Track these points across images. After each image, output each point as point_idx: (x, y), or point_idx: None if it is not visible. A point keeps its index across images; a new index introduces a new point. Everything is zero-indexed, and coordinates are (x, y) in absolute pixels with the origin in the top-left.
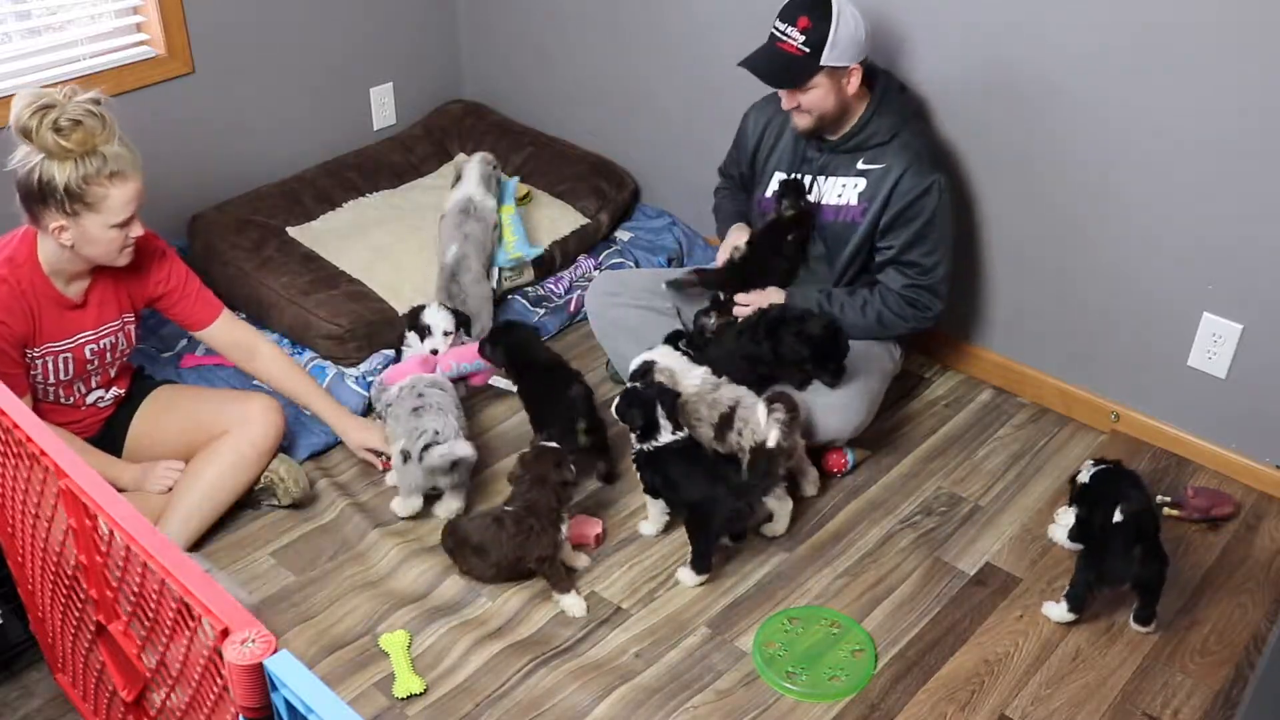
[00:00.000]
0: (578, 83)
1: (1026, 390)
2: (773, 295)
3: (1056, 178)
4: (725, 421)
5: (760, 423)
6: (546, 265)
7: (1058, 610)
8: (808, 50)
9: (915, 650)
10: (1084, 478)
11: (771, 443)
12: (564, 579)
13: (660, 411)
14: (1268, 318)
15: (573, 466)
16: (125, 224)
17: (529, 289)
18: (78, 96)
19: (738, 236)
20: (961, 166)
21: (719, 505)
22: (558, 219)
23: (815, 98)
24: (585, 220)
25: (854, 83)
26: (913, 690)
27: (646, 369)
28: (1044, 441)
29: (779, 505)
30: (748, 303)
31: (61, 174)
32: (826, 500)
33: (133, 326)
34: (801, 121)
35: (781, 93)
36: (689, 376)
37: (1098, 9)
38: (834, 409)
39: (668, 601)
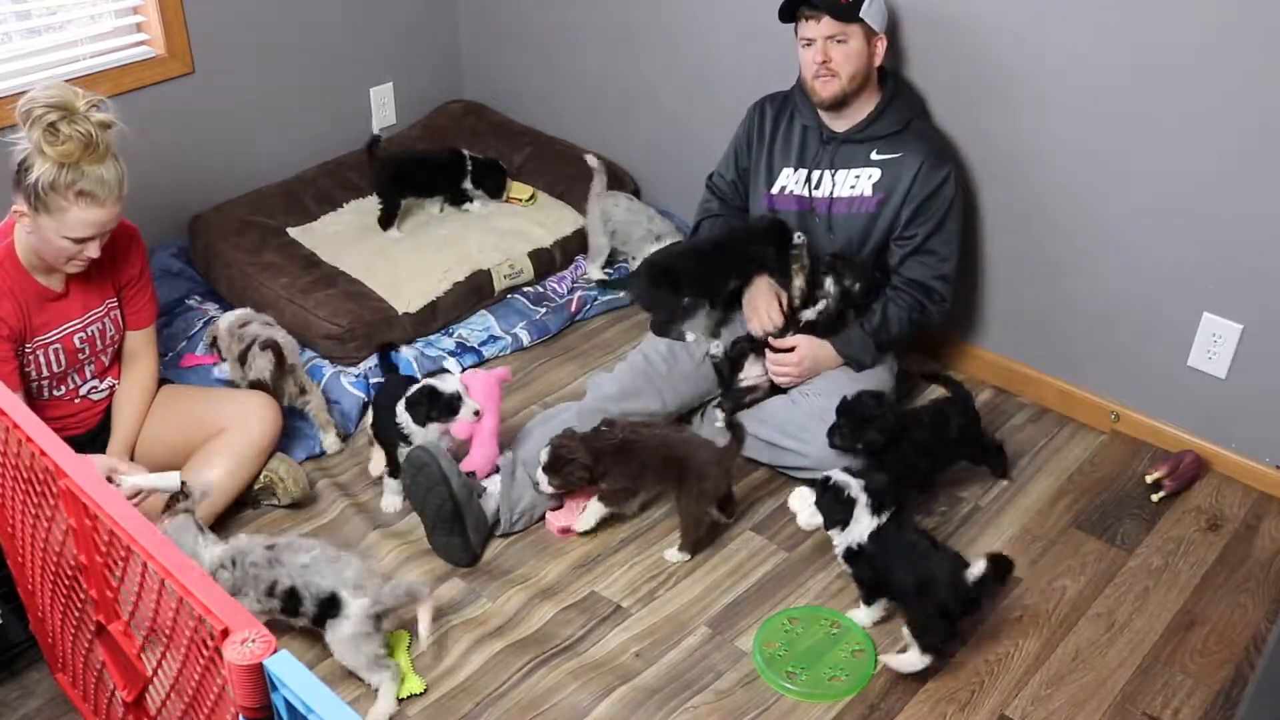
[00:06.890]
0: (578, 83)
1: (1026, 390)
2: (809, 347)
3: (1056, 177)
4: (244, 357)
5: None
6: (547, 265)
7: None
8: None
9: None
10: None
11: (263, 376)
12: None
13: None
14: (1268, 318)
15: None
16: (80, 241)
17: (529, 289)
18: (96, 113)
19: (770, 301)
20: (960, 165)
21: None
22: (558, 219)
23: (850, 51)
24: (585, 220)
25: (880, 54)
26: (913, 690)
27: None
28: (1044, 441)
29: None
30: (785, 364)
31: (38, 169)
32: None
33: (117, 311)
34: (828, 88)
35: (814, 53)
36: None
37: (1097, 9)
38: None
39: (668, 601)
